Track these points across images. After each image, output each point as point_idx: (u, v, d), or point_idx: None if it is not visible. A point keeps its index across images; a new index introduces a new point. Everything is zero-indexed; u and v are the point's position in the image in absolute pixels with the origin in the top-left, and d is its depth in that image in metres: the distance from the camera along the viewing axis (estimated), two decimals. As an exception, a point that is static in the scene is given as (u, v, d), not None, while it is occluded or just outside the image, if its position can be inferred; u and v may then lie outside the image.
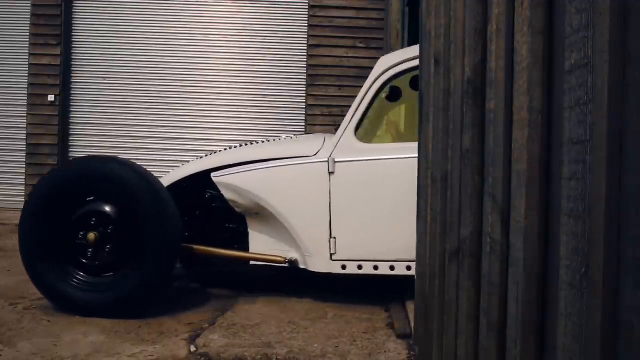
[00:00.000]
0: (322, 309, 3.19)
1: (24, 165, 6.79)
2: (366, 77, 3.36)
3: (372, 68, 3.35)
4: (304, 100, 6.75)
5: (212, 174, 3.36)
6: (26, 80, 6.82)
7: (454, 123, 1.74)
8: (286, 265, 3.27)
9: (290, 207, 3.20)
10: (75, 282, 2.95)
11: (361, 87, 3.31)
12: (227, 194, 3.32)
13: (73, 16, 6.89)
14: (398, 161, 3.11)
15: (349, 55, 6.61)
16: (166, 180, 3.48)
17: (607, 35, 0.82)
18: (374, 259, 3.12)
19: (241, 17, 6.86)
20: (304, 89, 6.75)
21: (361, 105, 3.22)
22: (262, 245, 3.35)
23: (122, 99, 6.85)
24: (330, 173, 3.15)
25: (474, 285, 1.51)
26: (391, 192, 3.09)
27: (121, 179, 2.90)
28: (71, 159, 6.62)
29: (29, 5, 6.78)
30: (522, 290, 1.15)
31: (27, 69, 6.81)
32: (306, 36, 6.75)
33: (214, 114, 6.84)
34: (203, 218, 3.56)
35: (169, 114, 6.83)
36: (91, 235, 2.94)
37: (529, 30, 1.14)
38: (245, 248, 3.38)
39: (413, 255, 3.01)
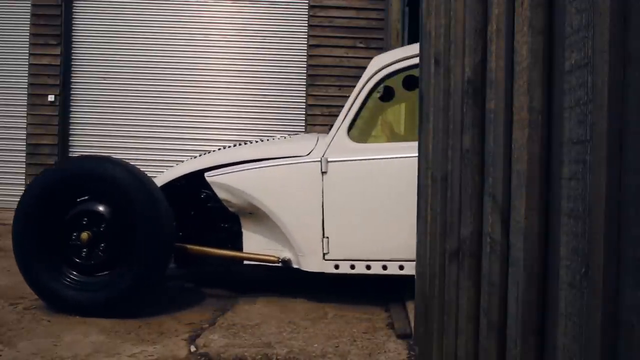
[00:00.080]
0: (322, 309, 3.19)
1: (24, 165, 6.79)
2: (366, 77, 3.36)
3: (372, 68, 3.35)
4: (304, 100, 6.75)
5: (206, 174, 3.37)
6: (26, 80, 6.82)
7: (454, 123, 1.74)
8: (279, 264, 3.27)
9: (283, 206, 3.21)
10: (68, 281, 2.95)
11: (360, 87, 3.31)
12: (221, 194, 3.33)
13: (73, 16, 6.89)
14: (391, 161, 3.11)
15: (349, 55, 6.61)
16: (160, 180, 3.48)
17: (607, 35, 0.82)
18: (366, 258, 3.13)
19: (241, 17, 6.86)
20: (304, 89, 6.75)
21: (354, 105, 3.22)
22: (255, 244, 3.35)
23: (122, 99, 6.85)
24: (323, 173, 3.16)
25: (474, 285, 1.51)
26: (384, 191, 3.10)
27: (114, 179, 2.90)
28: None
29: (29, 5, 6.78)
30: (522, 290, 1.15)
31: (27, 69, 6.81)
32: (306, 36, 6.75)
33: (214, 114, 6.84)
34: (197, 218, 3.56)
35: (169, 114, 6.83)
36: (84, 235, 2.94)
37: (529, 30, 1.14)
38: (239, 247, 3.39)
39: (406, 255, 3.03)
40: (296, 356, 2.43)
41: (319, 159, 3.18)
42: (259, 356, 2.42)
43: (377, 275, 3.14)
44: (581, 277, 0.89)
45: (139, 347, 2.49)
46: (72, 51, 6.90)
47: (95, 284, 2.94)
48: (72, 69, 6.90)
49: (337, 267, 3.16)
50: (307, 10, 6.74)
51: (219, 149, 3.70)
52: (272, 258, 3.28)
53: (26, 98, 6.82)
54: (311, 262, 3.19)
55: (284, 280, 3.86)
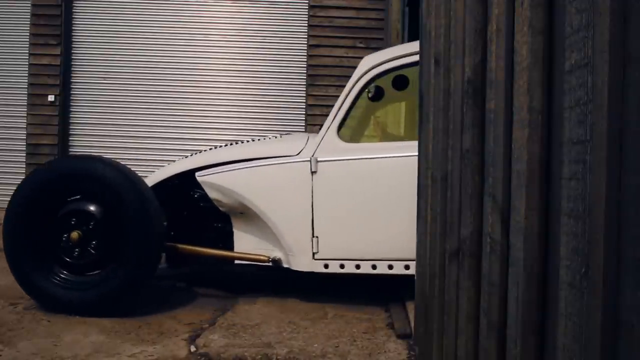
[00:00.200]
0: (322, 309, 3.19)
1: (24, 165, 6.78)
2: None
3: (372, 68, 3.35)
4: (304, 100, 6.75)
5: (197, 174, 3.37)
6: (26, 80, 6.81)
7: (454, 123, 1.74)
8: (270, 264, 3.28)
9: (273, 206, 3.21)
10: (59, 280, 2.96)
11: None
12: (212, 194, 3.33)
13: (73, 16, 6.89)
14: (381, 160, 3.12)
15: (349, 55, 6.61)
16: (151, 179, 3.48)
17: (607, 35, 0.82)
18: (355, 257, 3.13)
19: (241, 17, 6.86)
20: (304, 89, 6.75)
21: (344, 105, 3.23)
22: (246, 244, 3.36)
23: (122, 99, 6.84)
24: (313, 172, 3.16)
25: (474, 285, 1.51)
26: (373, 191, 3.10)
27: (105, 178, 2.91)
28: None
29: (29, 5, 6.77)
30: (522, 290, 1.15)
31: (27, 69, 6.80)
32: (306, 36, 6.75)
33: (213, 114, 6.84)
34: (188, 217, 3.57)
35: (169, 114, 6.82)
36: (74, 234, 2.95)
37: (529, 30, 1.14)
38: (230, 247, 3.39)
39: (395, 254, 3.04)
40: (296, 356, 2.43)
41: (309, 159, 3.18)
42: (259, 356, 2.42)
43: (366, 275, 3.15)
44: (581, 277, 0.89)
45: (139, 347, 2.49)
46: (72, 51, 6.89)
47: (86, 283, 2.95)
48: (72, 69, 6.90)
49: (326, 266, 3.16)
50: (307, 10, 6.73)
51: (210, 149, 3.70)
52: (262, 257, 3.28)
53: (26, 98, 6.81)
54: (301, 262, 3.19)
55: (283, 280, 3.86)
